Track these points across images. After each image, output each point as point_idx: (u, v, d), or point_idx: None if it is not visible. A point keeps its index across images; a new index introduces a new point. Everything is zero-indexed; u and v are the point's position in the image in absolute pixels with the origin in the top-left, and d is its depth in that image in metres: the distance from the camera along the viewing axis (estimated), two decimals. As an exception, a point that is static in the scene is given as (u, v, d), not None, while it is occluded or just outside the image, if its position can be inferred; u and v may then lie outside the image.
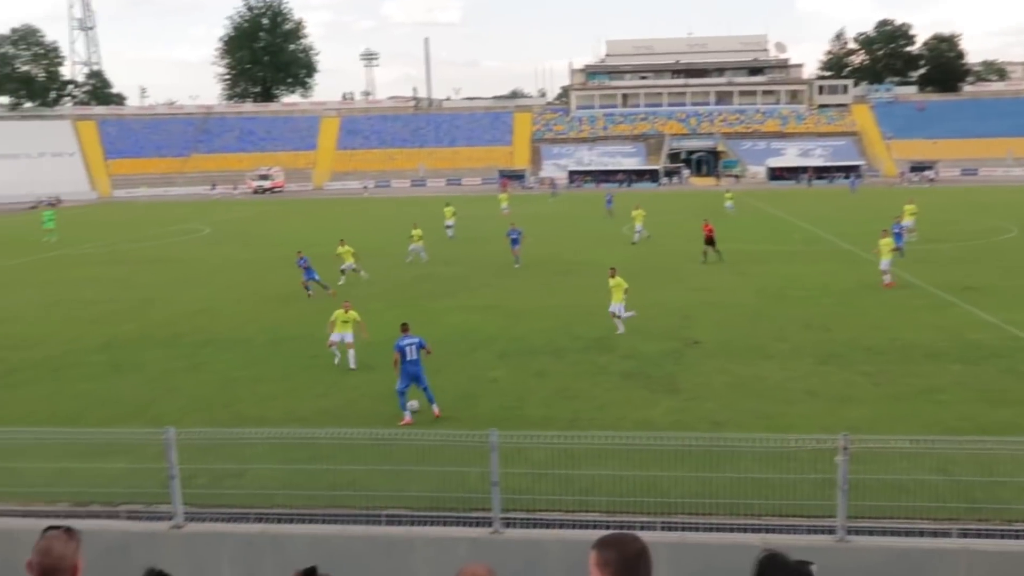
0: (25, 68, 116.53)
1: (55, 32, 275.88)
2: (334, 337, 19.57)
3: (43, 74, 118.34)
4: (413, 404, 15.66)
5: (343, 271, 31.41)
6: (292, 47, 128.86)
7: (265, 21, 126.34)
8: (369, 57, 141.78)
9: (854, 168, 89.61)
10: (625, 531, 3.49)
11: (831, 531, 9.05)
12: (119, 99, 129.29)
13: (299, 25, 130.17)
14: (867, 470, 9.71)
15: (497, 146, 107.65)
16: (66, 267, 38.28)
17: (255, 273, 34.79)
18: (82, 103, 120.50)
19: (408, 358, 15.41)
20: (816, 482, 9.85)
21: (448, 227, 45.55)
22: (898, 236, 31.28)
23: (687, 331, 22.36)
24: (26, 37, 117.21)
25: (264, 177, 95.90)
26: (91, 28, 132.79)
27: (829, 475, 9.32)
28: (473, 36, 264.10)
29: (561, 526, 9.63)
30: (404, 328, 16.14)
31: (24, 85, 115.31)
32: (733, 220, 49.40)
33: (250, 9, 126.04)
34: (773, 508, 9.93)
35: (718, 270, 31.74)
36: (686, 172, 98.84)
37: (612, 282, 22.68)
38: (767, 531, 9.42)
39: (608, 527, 9.42)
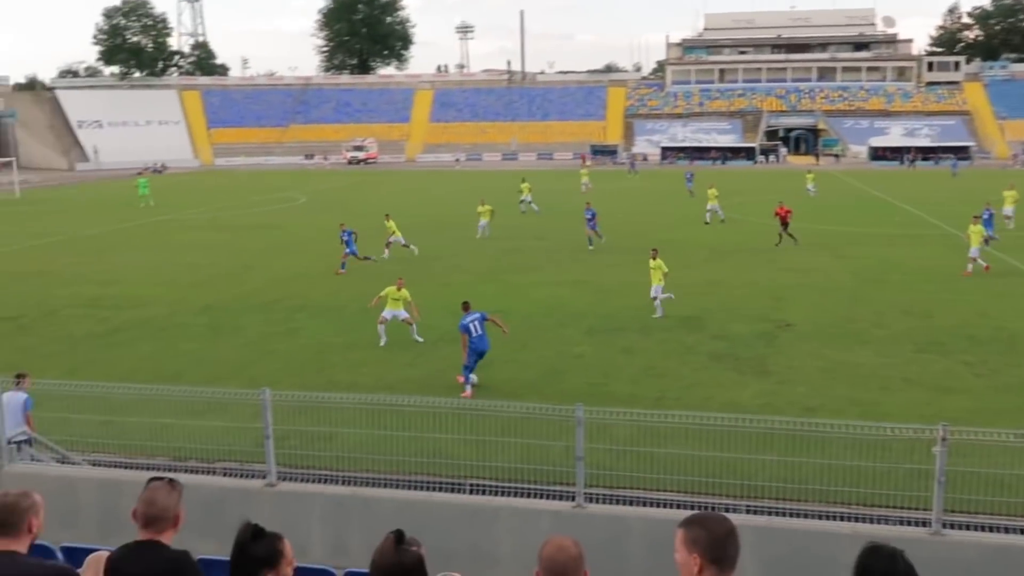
0: (135, 39, 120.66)
1: (163, 4, 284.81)
2: (386, 314, 19.23)
3: (151, 45, 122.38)
4: (474, 379, 15.77)
5: (388, 244, 31.05)
6: (389, 19, 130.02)
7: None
8: (464, 30, 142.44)
9: (962, 149, 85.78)
10: (713, 511, 3.45)
11: (925, 523, 8.77)
12: (222, 70, 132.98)
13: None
14: (965, 463, 9.36)
15: (590, 120, 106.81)
16: (170, 232, 39.75)
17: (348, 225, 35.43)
18: (187, 73, 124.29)
19: (474, 335, 15.50)
20: (911, 473, 9.54)
21: (524, 201, 45.21)
22: (987, 223, 29.64)
23: (779, 313, 21.89)
24: (136, 9, 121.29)
25: (359, 148, 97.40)
26: (197, 0, 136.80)
27: (925, 466, 9.02)
28: (569, 9, 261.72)
29: (644, 504, 9.59)
30: (465, 306, 16.21)
31: (133, 55, 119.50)
32: (814, 201, 47.96)
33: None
34: (865, 497, 9.67)
35: (813, 251, 30.89)
36: (783, 150, 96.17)
37: (652, 264, 21.90)
38: (857, 520, 9.18)
39: (691, 507, 9.34)
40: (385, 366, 17.77)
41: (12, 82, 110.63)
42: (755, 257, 30.46)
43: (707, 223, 39.49)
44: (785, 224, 32.57)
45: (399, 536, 3.42)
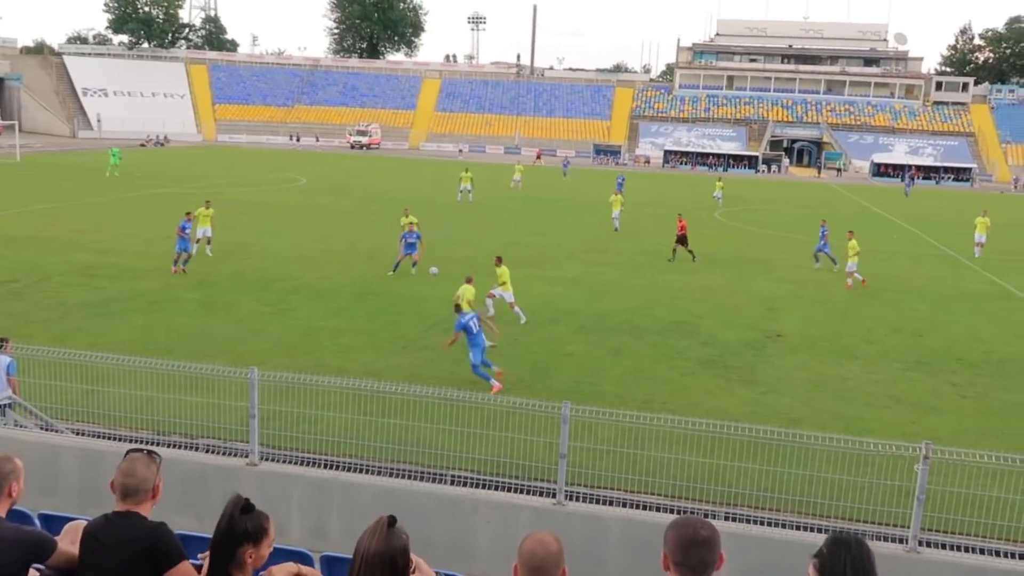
0: (146, 9, 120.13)
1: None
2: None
3: (162, 16, 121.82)
4: (496, 368, 15.77)
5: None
6: (402, 5, 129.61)
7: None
8: (476, 21, 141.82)
9: (963, 170, 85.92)
10: (700, 518, 3.49)
11: (902, 540, 8.82)
12: (232, 45, 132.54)
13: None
14: (946, 483, 9.41)
15: (595, 119, 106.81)
16: (169, 205, 39.62)
17: (347, 225, 35.44)
18: (196, 47, 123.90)
19: (474, 331, 15.54)
20: (890, 489, 9.60)
21: (463, 191, 46.21)
22: (823, 241, 30.54)
23: (771, 323, 21.94)
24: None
25: (362, 133, 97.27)
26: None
27: (905, 483, 9.07)
28: (581, 6, 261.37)
29: (624, 505, 9.63)
30: (458, 308, 16.35)
31: (144, 25, 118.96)
32: (806, 214, 47.98)
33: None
34: (843, 511, 9.72)
35: (809, 263, 30.93)
36: (786, 161, 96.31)
37: (498, 271, 21.03)
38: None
39: (671, 511, 9.39)
40: (374, 352, 17.78)
41: (20, 45, 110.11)
42: (750, 266, 30.51)
43: (616, 230, 37.46)
44: (683, 240, 30.48)
45: (392, 520, 3.44)
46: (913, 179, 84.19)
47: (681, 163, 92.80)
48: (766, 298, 25.06)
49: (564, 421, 9.06)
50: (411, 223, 26.35)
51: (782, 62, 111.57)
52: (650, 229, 38.07)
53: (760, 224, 42.59)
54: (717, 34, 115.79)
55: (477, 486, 9.71)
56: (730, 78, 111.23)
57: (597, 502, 9.80)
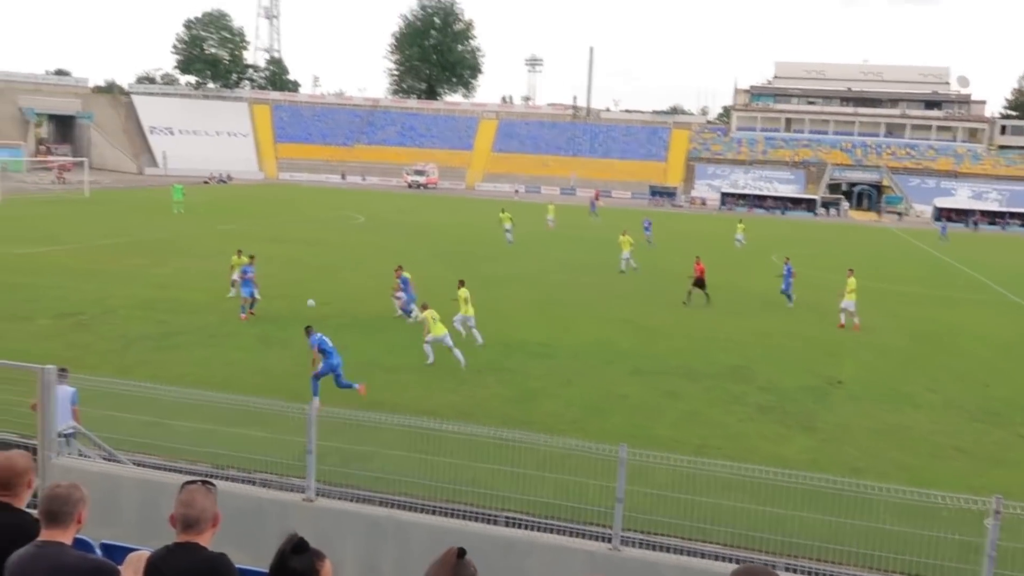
0: (212, 51, 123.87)
1: (242, 18, 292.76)
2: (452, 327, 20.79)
3: (228, 57, 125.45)
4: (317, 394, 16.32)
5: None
6: (460, 47, 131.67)
7: (437, 20, 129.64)
8: (533, 62, 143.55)
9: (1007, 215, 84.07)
10: (761, 566, 3.40)
11: (970, 599, 8.48)
12: (294, 86, 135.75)
13: (469, 26, 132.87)
14: (1018, 539, 9.04)
15: (651, 161, 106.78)
16: (230, 241, 40.46)
17: (402, 264, 35.71)
18: (259, 87, 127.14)
19: (328, 348, 16.64)
20: (958, 544, 9.25)
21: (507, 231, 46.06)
22: (786, 279, 30.38)
23: (831, 369, 21.50)
24: (215, 21, 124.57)
25: (419, 173, 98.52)
26: (275, 17, 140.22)
27: (973, 539, 8.74)
28: (639, 48, 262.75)
29: (681, 552, 9.42)
30: (308, 330, 17.17)
31: (210, 66, 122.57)
32: (869, 259, 47.06)
33: (424, 8, 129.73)
34: (908, 566, 9.39)
35: (869, 309, 30.32)
36: (845, 204, 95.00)
37: (460, 293, 22.23)
38: (899, 588, 8.91)
39: (729, 560, 9.15)
40: (429, 390, 17.81)
41: (92, 84, 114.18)
42: (808, 310, 30.00)
43: (622, 271, 36.71)
44: (700, 283, 29.85)
45: (461, 552, 3.41)
46: (977, 224, 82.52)
47: (738, 205, 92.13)
48: (825, 343, 24.59)
49: (621, 464, 8.92)
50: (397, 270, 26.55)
51: (841, 104, 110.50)
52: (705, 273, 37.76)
53: (818, 267, 41.92)
54: (775, 76, 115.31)
55: (531, 528, 9.60)
56: (788, 120, 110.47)
57: (653, 548, 9.61)
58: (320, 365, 16.61)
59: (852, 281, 26.83)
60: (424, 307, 20.47)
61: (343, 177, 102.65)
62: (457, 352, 19.63)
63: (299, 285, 29.30)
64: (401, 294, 25.17)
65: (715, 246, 50.69)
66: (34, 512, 4.44)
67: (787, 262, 31.17)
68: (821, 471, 11.99)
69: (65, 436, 10.92)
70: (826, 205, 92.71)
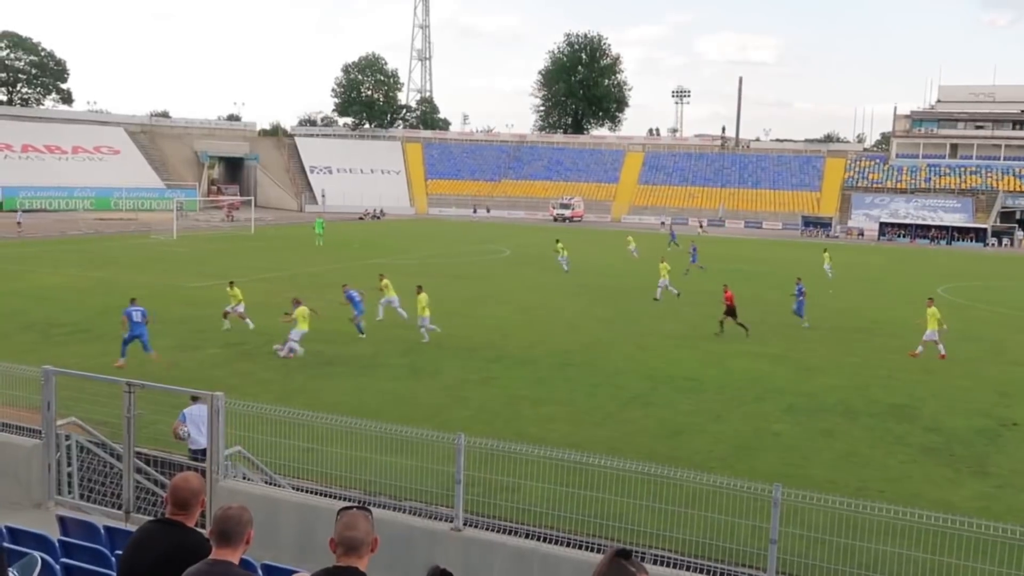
0: (368, 93, 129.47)
1: (396, 61, 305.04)
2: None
3: (382, 99, 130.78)
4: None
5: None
6: (607, 82, 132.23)
7: (584, 56, 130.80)
8: (680, 94, 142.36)
9: None
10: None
11: None
12: (444, 124, 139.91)
13: (616, 60, 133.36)
14: None
15: (803, 191, 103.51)
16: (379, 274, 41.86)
17: (547, 297, 35.97)
18: (412, 126, 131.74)
19: (134, 320, 21.23)
20: None
21: (561, 259, 46.38)
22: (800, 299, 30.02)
23: (1005, 410, 20.06)
24: (371, 65, 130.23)
25: (565, 206, 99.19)
26: (428, 59, 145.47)
27: None
28: (788, 76, 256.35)
29: (838, 600, 8.98)
30: (133, 300, 21.88)
31: (366, 108, 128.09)
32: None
33: (570, 44, 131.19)
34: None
35: (1049, 346, 28.17)
36: (1020, 234, 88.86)
37: (420, 297, 25.76)
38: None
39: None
40: (574, 423, 17.77)
41: (258, 128, 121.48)
42: (979, 346, 28.17)
43: (657, 299, 35.70)
44: (731, 311, 28.45)
45: (623, 552, 3.25)
46: None
47: (899, 235, 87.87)
48: (998, 382, 22.99)
49: (775, 504, 8.62)
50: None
51: (1013, 128, 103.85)
52: (863, 306, 36.16)
53: (990, 301, 39.37)
54: (938, 100, 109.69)
55: (678, 567, 9.38)
56: (953, 146, 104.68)
57: (807, 594, 9.20)
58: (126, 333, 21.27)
59: (934, 311, 26.31)
60: (297, 302, 23.64)
61: (474, 211, 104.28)
62: (298, 346, 23.03)
63: (448, 318, 29.94)
64: (355, 312, 26.82)
65: (885, 280, 48.52)
66: (203, 531, 4.72)
67: (799, 282, 31.33)
68: (995, 519, 11.17)
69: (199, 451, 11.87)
70: (997, 235, 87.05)
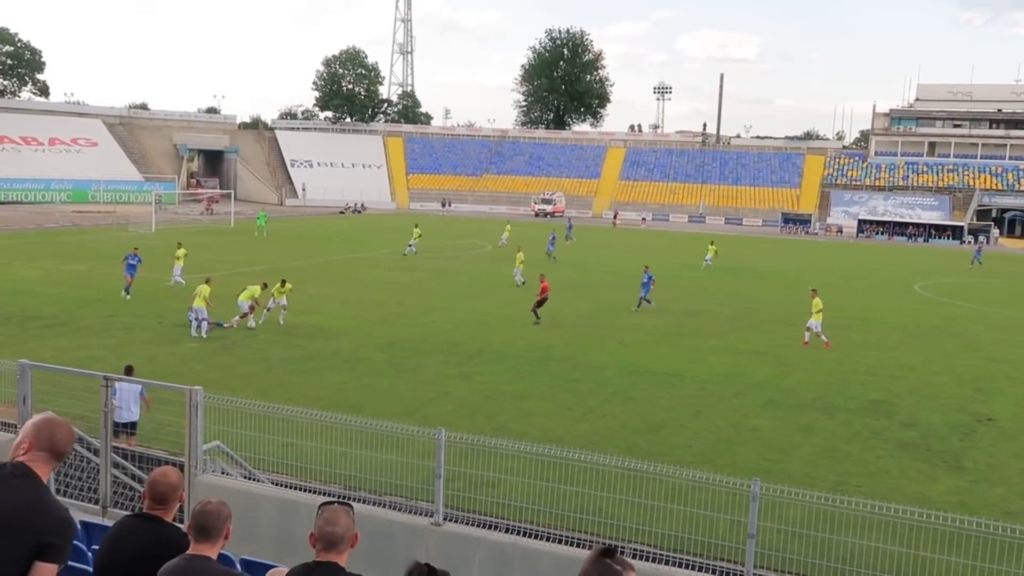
0: (349, 87, 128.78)
1: (377, 55, 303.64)
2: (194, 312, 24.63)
3: (364, 93, 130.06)
4: None
5: None
6: (589, 78, 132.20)
7: (566, 52, 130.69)
8: (662, 91, 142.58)
9: None
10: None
11: None
12: (426, 118, 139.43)
13: (598, 56, 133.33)
14: None
15: (783, 188, 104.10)
16: (363, 269, 41.78)
17: (528, 292, 35.97)
18: (393, 121, 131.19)
19: (130, 263, 26.80)
20: None
21: (410, 245, 48.56)
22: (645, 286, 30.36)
23: (980, 405, 20.28)
24: (353, 59, 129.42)
25: (547, 201, 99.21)
26: (410, 52, 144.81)
27: None
28: (768, 73, 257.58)
29: (815, 593, 9.05)
30: (135, 249, 27.75)
31: (347, 102, 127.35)
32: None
33: (552, 40, 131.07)
34: (1069, 619, 8.71)
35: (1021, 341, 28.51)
36: (996, 232, 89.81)
37: (285, 287, 26.79)
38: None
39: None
40: (555, 418, 17.80)
41: (239, 121, 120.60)
42: (956, 342, 28.46)
43: (519, 286, 37.00)
44: (541, 302, 28.72)
45: (607, 551, 3.29)
46: None
47: (877, 233, 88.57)
48: (974, 378, 23.24)
49: (753, 499, 8.66)
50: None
51: (990, 127, 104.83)
52: (842, 303, 36.39)
53: (966, 298, 39.77)
54: (917, 99, 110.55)
55: (657, 561, 9.41)
56: (931, 144, 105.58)
57: (786, 588, 9.26)
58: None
59: (817, 301, 26.90)
60: (208, 281, 25.41)
61: (443, 205, 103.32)
62: (203, 325, 24.31)
63: (429, 313, 29.90)
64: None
65: (867, 277, 48.90)
66: (181, 526, 4.68)
67: (646, 270, 32.45)
68: (970, 513, 11.30)
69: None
70: (974, 232, 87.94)
